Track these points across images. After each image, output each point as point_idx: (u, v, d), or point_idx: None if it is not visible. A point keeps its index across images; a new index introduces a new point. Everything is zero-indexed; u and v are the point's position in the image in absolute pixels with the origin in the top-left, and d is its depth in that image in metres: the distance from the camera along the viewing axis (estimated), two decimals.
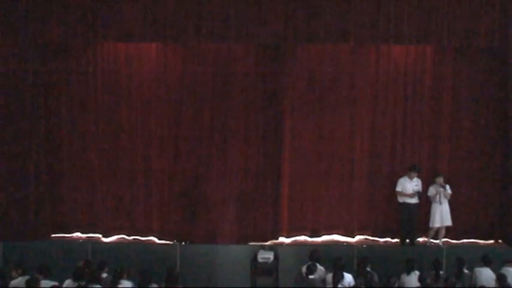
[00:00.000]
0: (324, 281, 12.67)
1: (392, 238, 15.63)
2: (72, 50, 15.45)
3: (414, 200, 15.12)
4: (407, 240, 15.25)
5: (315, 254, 13.16)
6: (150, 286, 11.86)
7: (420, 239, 15.40)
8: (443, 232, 15.19)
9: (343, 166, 15.75)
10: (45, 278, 12.01)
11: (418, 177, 15.19)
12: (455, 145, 15.69)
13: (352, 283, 12.40)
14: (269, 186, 15.69)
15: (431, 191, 15.05)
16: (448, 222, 15.08)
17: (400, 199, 15.17)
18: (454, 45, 15.19)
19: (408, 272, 12.66)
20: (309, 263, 12.83)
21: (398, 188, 15.15)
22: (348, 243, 15.40)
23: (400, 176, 15.26)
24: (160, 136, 15.66)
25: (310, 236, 15.67)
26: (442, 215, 15.00)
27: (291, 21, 14.77)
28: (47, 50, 15.26)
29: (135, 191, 15.69)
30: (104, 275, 12.38)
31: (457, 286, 12.11)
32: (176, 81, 15.59)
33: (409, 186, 15.08)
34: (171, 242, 15.39)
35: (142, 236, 15.64)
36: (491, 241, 15.58)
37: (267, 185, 15.68)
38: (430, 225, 15.14)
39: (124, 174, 15.66)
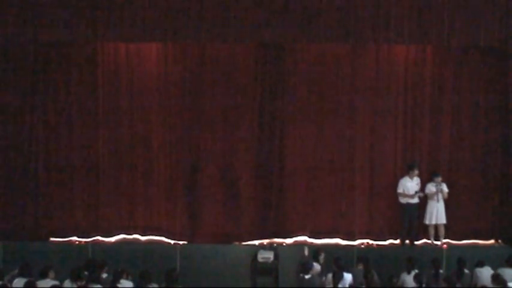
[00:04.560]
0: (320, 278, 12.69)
1: (394, 240, 15.59)
2: (72, 50, 15.44)
3: (416, 200, 15.12)
4: (407, 241, 15.25)
5: (315, 254, 13.17)
6: (150, 286, 11.86)
7: (421, 241, 15.40)
8: (442, 231, 15.18)
9: (343, 167, 15.72)
10: (45, 278, 12.02)
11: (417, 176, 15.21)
12: (455, 145, 15.68)
13: (351, 282, 12.39)
14: (269, 187, 15.68)
15: (430, 189, 15.05)
16: (443, 220, 15.10)
17: (403, 200, 15.13)
18: (454, 45, 15.18)
19: (409, 271, 12.66)
20: (304, 262, 12.85)
21: (400, 190, 15.12)
22: (348, 245, 15.39)
23: (401, 177, 15.24)
24: (161, 136, 15.66)
25: (310, 238, 15.62)
26: (437, 213, 15.03)
27: (291, 21, 14.76)
28: (47, 50, 15.26)
29: (135, 191, 15.69)
30: (104, 275, 12.37)
31: (457, 286, 12.10)
32: (176, 81, 15.60)
33: (410, 186, 15.07)
34: (171, 242, 15.39)
35: (142, 236, 15.64)
36: (491, 241, 15.57)
37: (267, 186, 15.67)
38: (427, 222, 15.14)
39: (124, 174, 15.66)
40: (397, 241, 15.47)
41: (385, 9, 14.74)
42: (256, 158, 15.67)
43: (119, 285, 11.82)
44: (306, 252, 13.49)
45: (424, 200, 15.16)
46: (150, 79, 15.60)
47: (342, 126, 15.68)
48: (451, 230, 15.38)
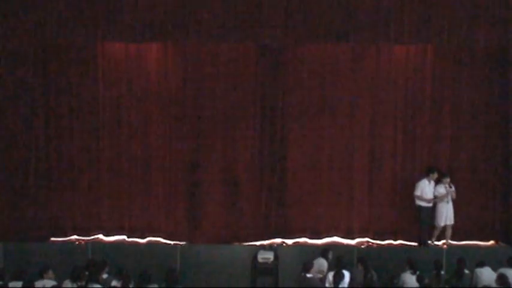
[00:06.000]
0: (323, 277, 12.70)
1: (394, 240, 15.59)
2: (72, 50, 15.44)
3: (432, 203, 15.09)
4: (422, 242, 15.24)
5: (324, 252, 13.34)
6: (150, 286, 11.86)
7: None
8: (450, 231, 15.17)
9: (344, 167, 15.72)
10: (44, 278, 12.02)
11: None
12: (455, 146, 15.67)
13: (349, 281, 12.43)
14: (270, 187, 15.68)
15: (440, 191, 15.00)
16: (452, 221, 15.09)
17: (422, 203, 15.00)
18: (454, 45, 15.17)
19: (414, 272, 12.61)
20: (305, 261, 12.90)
21: (418, 192, 15.00)
22: (348, 244, 15.39)
23: (419, 180, 15.11)
24: (161, 136, 15.67)
25: (311, 238, 15.64)
26: (447, 213, 15.01)
27: (291, 21, 14.76)
28: (47, 50, 15.26)
29: (135, 191, 15.70)
30: (104, 276, 12.36)
31: (457, 286, 12.11)
32: (176, 82, 15.59)
33: (428, 190, 14.99)
34: (171, 242, 15.39)
35: (142, 236, 15.64)
36: (492, 242, 15.56)
37: (267, 187, 15.68)
38: (436, 224, 15.10)
39: (124, 174, 15.67)
40: (397, 241, 15.52)
41: (385, 9, 14.73)
42: (256, 158, 15.66)
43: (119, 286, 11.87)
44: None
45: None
46: (150, 79, 15.60)
47: (343, 126, 15.68)
48: (451, 230, 15.37)
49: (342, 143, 15.70)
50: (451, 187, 14.99)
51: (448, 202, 14.99)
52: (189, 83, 15.57)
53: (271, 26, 14.79)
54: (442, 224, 15.08)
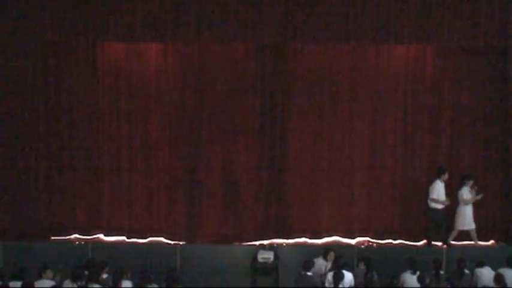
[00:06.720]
0: (323, 276, 12.72)
1: (394, 240, 15.60)
2: (72, 50, 15.44)
3: (445, 205, 15.03)
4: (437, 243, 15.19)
5: (325, 252, 13.35)
6: (150, 286, 11.86)
7: (421, 242, 15.43)
8: (456, 234, 15.12)
9: (343, 167, 15.72)
10: (43, 278, 12.02)
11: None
12: (455, 145, 15.68)
13: (353, 282, 12.40)
14: (270, 187, 15.68)
15: (467, 194, 14.96)
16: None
17: (437, 205, 14.91)
18: (454, 45, 15.17)
19: (414, 272, 12.61)
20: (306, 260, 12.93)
21: (434, 195, 14.87)
22: (349, 244, 15.40)
23: (432, 181, 15.02)
24: (161, 136, 15.67)
25: (311, 238, 15.64)
26: (471, 216, 14.98)
27: (291, 21, 14.78)
28: (47, 50, 15.27)
29: (135, 191, 15.70)
30: (104, 276, 12.36)
31: (457, 286, 12.10)
32: (176, 82, 15.60)
33: (442, 192, 14.93)
34: (171, 242, 15.39)
35: (142, 236, 15.63)
36: (492, 242, 15.55)
37: (267, 187, 15.68)
38: (465, 227, 15.02)
39: (124, 175, 15.67)
40: (397, 241, 15.55)
41: (385, 9, 14.74)
42: (256, 158, 15.66)
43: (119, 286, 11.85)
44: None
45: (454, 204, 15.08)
46: (150, 79, 15.60)
47: (343, 126, 15.68)
48: (451, 230, 15.36)
49: (342, 143, 15.70)
50: (477, 193, 14.92)
51: (471, 205, 14.96)
52: (189, 83, 15.58)
53: (271, 26, 14.79)
54: (471, 227, 14.96)
